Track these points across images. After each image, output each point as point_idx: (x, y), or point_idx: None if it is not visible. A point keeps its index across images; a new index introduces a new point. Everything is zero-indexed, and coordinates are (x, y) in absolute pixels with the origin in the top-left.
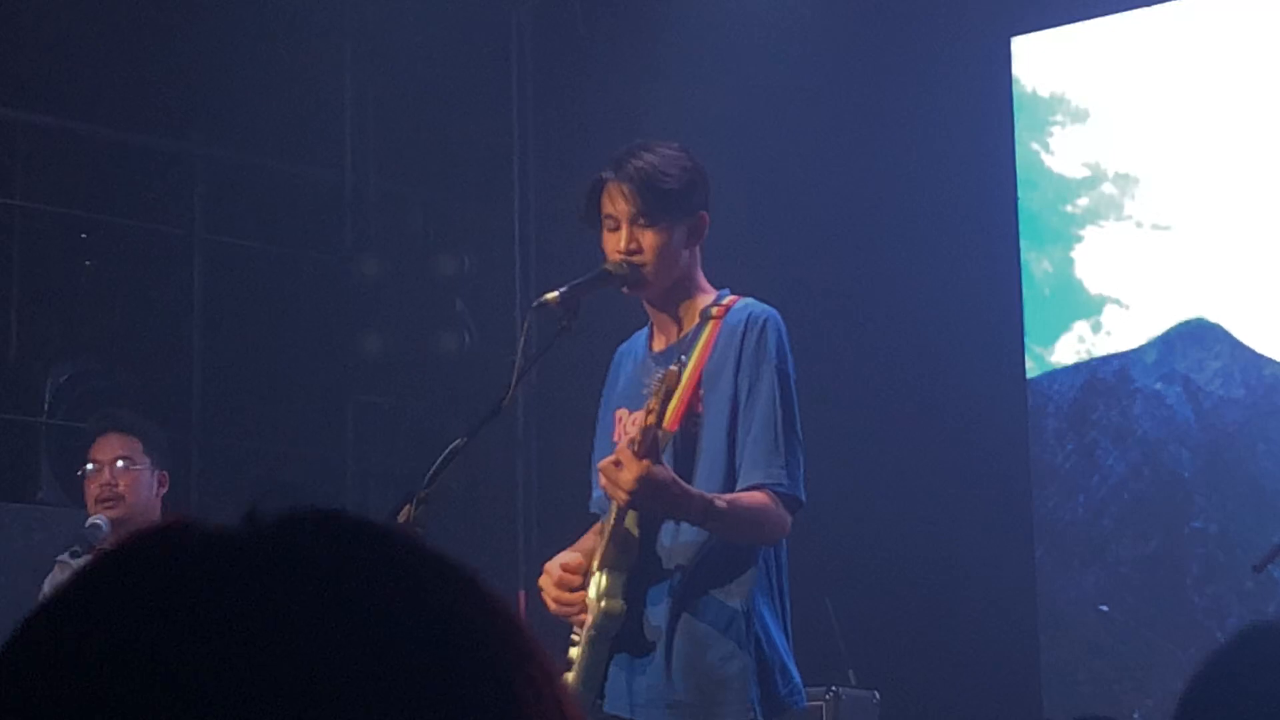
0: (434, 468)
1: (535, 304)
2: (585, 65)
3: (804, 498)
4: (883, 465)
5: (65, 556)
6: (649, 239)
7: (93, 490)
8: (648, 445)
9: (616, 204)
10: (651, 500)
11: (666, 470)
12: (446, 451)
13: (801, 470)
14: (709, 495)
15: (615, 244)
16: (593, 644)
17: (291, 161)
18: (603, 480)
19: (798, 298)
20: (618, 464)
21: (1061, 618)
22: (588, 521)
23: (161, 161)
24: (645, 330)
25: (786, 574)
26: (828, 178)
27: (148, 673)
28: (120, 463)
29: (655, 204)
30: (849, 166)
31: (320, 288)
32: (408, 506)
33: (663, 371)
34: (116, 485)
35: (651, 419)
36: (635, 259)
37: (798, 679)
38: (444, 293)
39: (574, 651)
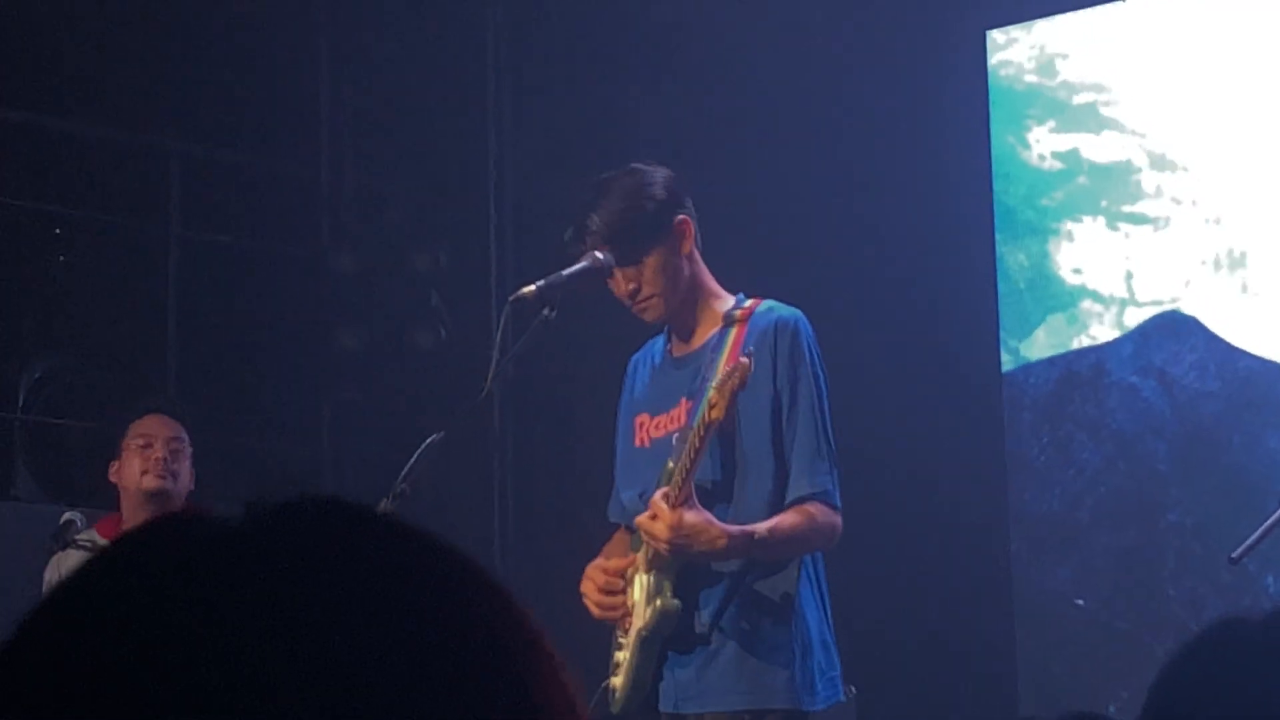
0: (410, 463)
1: (512, 298)
2: (561, 60)
3: (839, 504)
4: (858, 458)
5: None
6: (641, 275)
7: (139, 464)
8: (677, 495)
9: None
10: (689, 545)
11: (700, 514)
12: (423, 446)
13: (836, 476)
14: (747, 528)
15: (618, 290)
16: (644, 644)
17: (267, 157)
18: (643, 534)
19: (773, 293)
20: (653, 516)
21: (1037, 611)
22: (564, 514)
23: (136, 157)
24: (661, 337)
25: (823, 565)
26: (803, 172)
27: (151, 666)
28: (174, 443)
29: (628, 247)
30: (824, 160)
31: (296, 283)
32: (384, 502)
33: (732, 365)
34: (171, 462)
35: (717, 413)
36: (642, 301)
37: (837, 670)
38: (420, 288)
39: (620, 655)
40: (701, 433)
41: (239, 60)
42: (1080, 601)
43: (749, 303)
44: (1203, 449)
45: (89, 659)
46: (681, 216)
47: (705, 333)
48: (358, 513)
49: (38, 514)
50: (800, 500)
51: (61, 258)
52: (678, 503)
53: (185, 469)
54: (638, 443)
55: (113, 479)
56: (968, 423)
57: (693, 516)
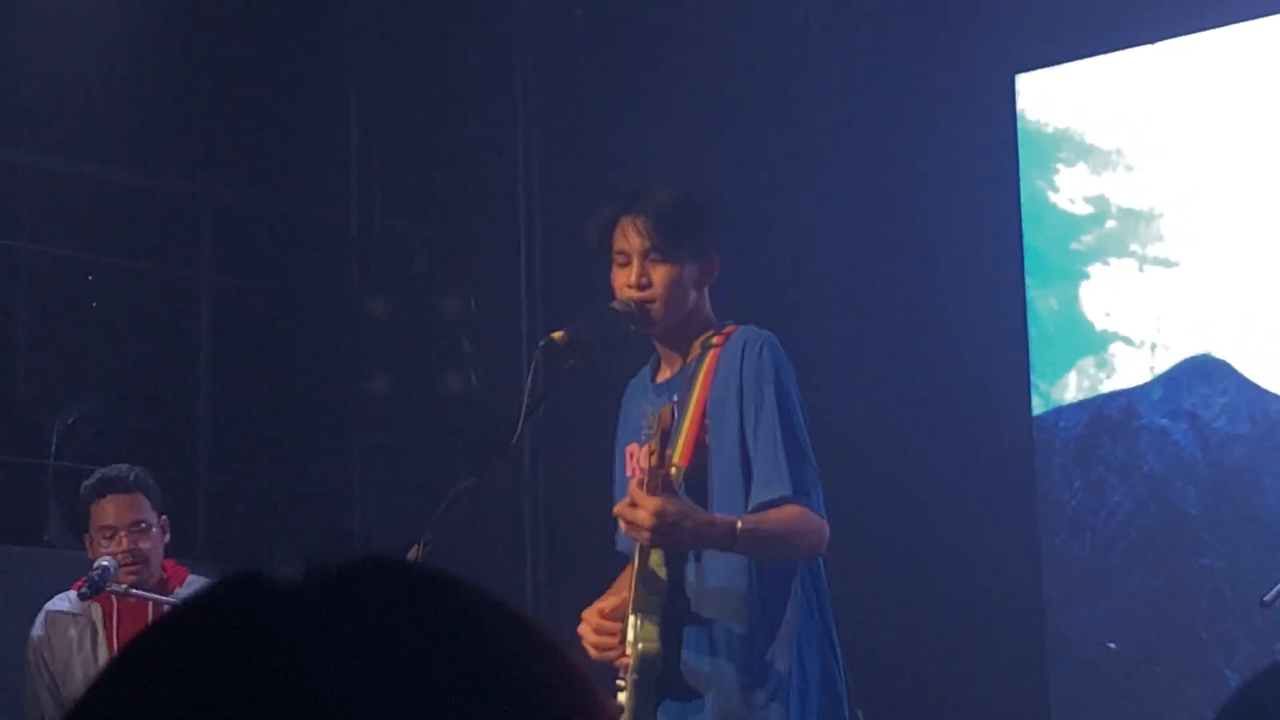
0: (442, 508)
1: (542, 343)
2: (590, 103)
3: (823, 513)
4: (890, 502)
5: (63, 605)
6: (659, 274)
7: (107, 553)
8: (657, 481)
9: (629, 238)
10: (671, 533)
11: (681, 501)
12: (454, 491)
13: (816, 487)
14: (729, 517)
15: (625, 279)
16: (636, 688)
17: (298, 202)
18: (623, 524)
19: (802, 331)
20: (633, 505)
21: (1070, 654)
22: (595, 560)
23: (167, 202)
24: (649, 365)
25: (831, 611)
26: (832, 213)
27: None
28: (136, 527)
29: (668, 239)
30: (853, 202)
31: (326, 328)
32: (415, 547)
33: (656, 411)
34: (137, 549)
35: (654, 459)
36: (644, 294)
37: (844, 706)
38: (450, 333)
39: (621, 697)
40: (647, 476)
41: (270, 107)
42: (1112, 644)
43: (727, 328)
44: (1234, 492)
45: None
46: (715, 254)
47: (687, 361)
48: (419, 574)
49: (69, 560)
50: (773, 503)
51: (94, 303)
52: (655, 490)
53: (156, 542)
54: (628, 473)
55: (89, 556)
56: (999, 466)
57: (674, 504)
